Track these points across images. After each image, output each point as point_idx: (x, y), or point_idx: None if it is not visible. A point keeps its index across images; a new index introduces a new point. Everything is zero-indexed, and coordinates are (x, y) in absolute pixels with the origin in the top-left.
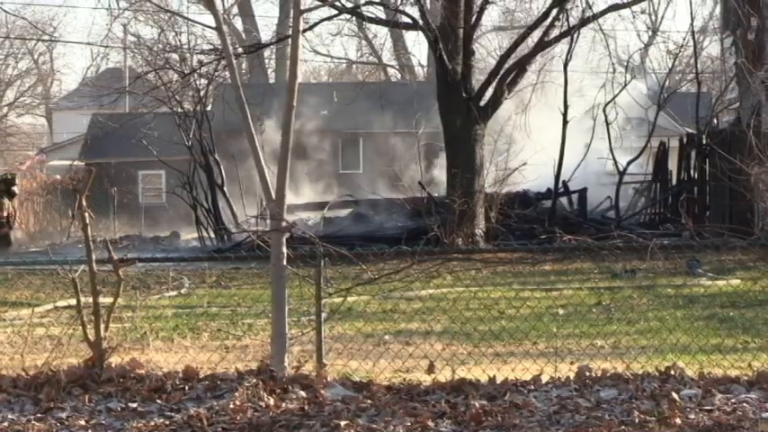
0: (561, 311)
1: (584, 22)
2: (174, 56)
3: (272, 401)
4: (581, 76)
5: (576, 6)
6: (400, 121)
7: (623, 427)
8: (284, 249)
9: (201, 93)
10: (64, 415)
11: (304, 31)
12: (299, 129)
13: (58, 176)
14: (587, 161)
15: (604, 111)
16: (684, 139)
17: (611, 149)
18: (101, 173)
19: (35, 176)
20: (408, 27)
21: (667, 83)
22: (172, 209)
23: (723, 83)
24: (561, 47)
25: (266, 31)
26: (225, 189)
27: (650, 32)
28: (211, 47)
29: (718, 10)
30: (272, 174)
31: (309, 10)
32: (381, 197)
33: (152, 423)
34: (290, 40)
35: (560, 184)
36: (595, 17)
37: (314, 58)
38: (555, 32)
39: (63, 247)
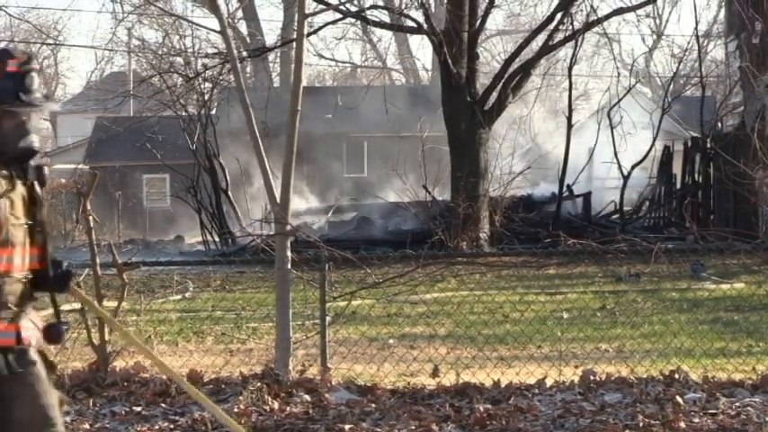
0: (565, 315)
1: (588, 25)
2: (179, 59)
3: (276, 405)
4: (585, 80)
5: (581, 10)
6: (404, 124)
7: (628, 431)
8: (289, 253)
9: (206, 96)
10: (68, 419)
11: (308, 34)
12: (304, 132)
13: (63, 180)
14: (592, 165)
15: (609, 114)
16: (689, 143)
17: (615, 153)
18: (105, 176)
19: None
20: (413, 31)
21: (672, 87)
22: (176, 213)
23: (727, 87)
24: (566, 50)
25: (271, 35)
26: (229, 193)
27: (655, 36)
28: (216, 50)
29: (722, 14)
30: (277, 177)
31: (314, 14)
32: (386, 201)
33: (156, 427)
34: (294, 43)
35: (565, 188)
36: (600, 21)
37: (318, 61)
38: (559, 36)
39: (67, 250)
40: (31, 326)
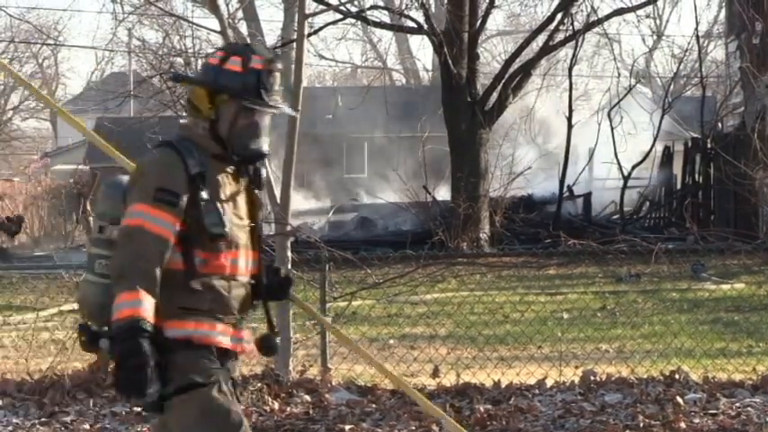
0: (566, 315)
1: (588, 26)
2: (179, 60)
3: (276, 406)
4: (586, 80)
5: (581, 11)
6: (405, 125)
7: (628, 431)
8: (289, 253)
9: None
10: (68, 419)
11: (309, 35)
12: (304, 133)
13: (63, 179)
14: (592, 165)
15: (609, 115)
16: (689, 144)
17: (615, 154)
18: (105, 177)
19: (39, 181)
20: (413, 31)
21: (672, 87)
22: None
23: (728, 87)
24: (566, 51)
25: (271, 36)
26: None
27: (655, 37)
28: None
29: (722, 14)
30: (277, 178)
31: (314, 14)
32: (386, 201)
33: None
34: (294, 44)
35: (565, 189)
36: (600, 21)
37: (319, 62)
38: (560, 37)
39: (67, 251)
40: (248, 336)
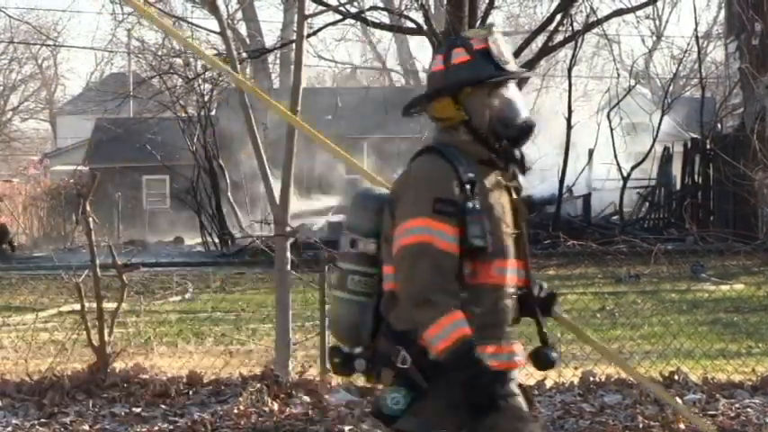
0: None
1: (588, 26)
2: (179, 60)
3: (276, 406)
4: (585, 81)
5: (581, 11)
6: (404, 125)
7: None
8: (288, 254)
9: (206, 97)
10: (68, 420)
11: (308, 35)
12: (303, 133)
13: (63, 180)
14: (592, 166)
15: (608, 116)
16: (689, 144)
17: (614, 154)
18: (105, 178)
19: (39, 181)
20: (413, 32)
21: (671, 88)
22: (176, 214)
23: (727, 88)
24: (566, 51)
25: (270, 36)
26: (229, 194)
27: (654, 37)
28: (215, 52)
29: (722, 15)
30: (277, 179)
31: (314, 15)
32: None
33: (156, 428)
34: (294, 44)
35: (565, 189)
36: (600, 22)
37: (318, 63)
38: (559, 37)
39: (67, 251)
40: (521, 348)
